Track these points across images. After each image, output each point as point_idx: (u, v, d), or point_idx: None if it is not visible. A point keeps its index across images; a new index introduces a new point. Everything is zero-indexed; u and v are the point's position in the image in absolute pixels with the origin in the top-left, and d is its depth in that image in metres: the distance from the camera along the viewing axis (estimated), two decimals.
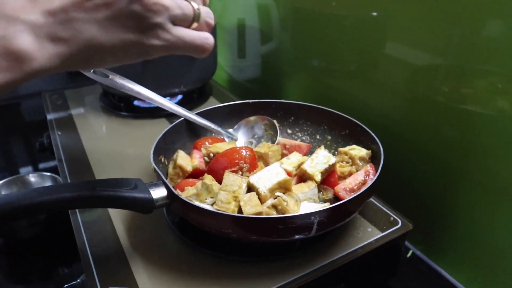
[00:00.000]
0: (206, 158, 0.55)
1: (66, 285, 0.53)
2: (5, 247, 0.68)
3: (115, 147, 0.74)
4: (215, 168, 0.52)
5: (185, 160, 0.57)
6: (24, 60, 0.28)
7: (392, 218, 0.55)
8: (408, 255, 0.66)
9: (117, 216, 0.56)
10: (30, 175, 0.76)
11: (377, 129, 0.57)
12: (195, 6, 0.35)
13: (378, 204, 0.57)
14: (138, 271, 0.47)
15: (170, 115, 0.83)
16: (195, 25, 0.36)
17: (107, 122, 0.84)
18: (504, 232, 0.54)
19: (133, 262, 0.48)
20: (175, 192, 0.45)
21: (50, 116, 0.85)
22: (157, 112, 0.84)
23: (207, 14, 0.36)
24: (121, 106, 0.86)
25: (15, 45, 0.27)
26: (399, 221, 0.54)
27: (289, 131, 0.68)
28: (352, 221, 0.54)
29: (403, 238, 0.54)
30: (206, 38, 0.36)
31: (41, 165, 0.97)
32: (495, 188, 0.54)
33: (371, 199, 0.58)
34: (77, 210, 0.56)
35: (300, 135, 0.67)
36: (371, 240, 0.52)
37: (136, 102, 0.87)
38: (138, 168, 0.67)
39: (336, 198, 0.53)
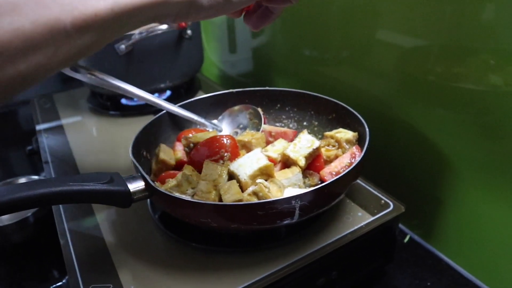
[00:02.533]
0: (187, 149, 0.54)
1: (52, 286, 0.52)
2: None
3: (103, 147, 0.73)
4: (196, 158, 0.51)
5: (167, 154, 0.55)
6: None
7: (383, 201, 0.53)
8: (406, 240, 0.64)
9: (101, 213, 0.54)
10: (19, 179, 0.75)
11: (370, 114, 0.55)
12: None
13: (368, 188, 0.55)
14: (122, 268, 0.46)
15: (158, 111, 0.82)
16: None
17: (96, 123, 0.83)
18: (502, 213, 0.52)
19: (117, 258, 0.47)
20: (153, 184, 0.44)
21: (37, 120, 0.84)
22: (145, 109, 0.83)
23: None
24: (108, 105, 0.85)
25: None
26: (391, 204, 0.52)
27: (276, 119, 0.66)
28: (341, 206, 0.53)
29: (396, 221, 0.52)
30: None
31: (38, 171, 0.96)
32: (491, 167, 0.52)
33: (361, 183, 0.56)
34: (61, 210, 0.55)
35: (287, 122, 0.65)
36: (361, 224, 0.50)
37: (123, 101, 0.86)
38: (126, 166, 0.66)
39: (323, 183, 0.51)
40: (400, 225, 0.66)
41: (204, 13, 0.33)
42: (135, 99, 0.79)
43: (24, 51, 0.23)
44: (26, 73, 0.24)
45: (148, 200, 0.55)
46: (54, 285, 0.52)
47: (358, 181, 0.57)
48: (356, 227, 0.49)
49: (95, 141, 0.76)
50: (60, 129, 0.80)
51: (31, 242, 0.67)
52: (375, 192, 0.54)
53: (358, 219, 0.50)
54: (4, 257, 0.66)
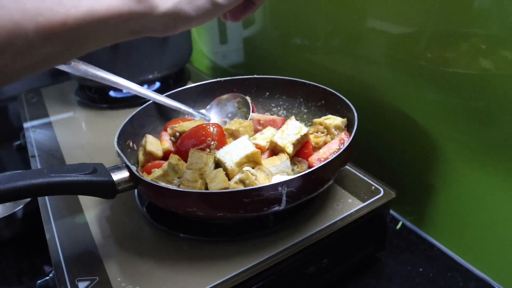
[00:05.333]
0: (173, 138, 0.53)
1: (38, 281, 0.51)
2: None
3: (91, 140, 0.72)
4: (182, 147, 0.50)
5: (154, 145, 0.54)
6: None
7: (373, 187, 0.52)
8: (398, 226, 0.63)
9: (88, 206, 0.53)
10: (6, 174, 0.74)
11: (361, 101, 0.55)
12: None
13: (358, 174, 0.55)
14: (108, 260, 0.45)
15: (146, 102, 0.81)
16: None
17: (85, 116, 0.81)
18: (493, 198, 0.51)
19: (104, 251, 0.46)
20: (137, 174, 0.43)
21: (25, 114, 0.83)
22: (134, 101, 0.81)
23: None
24: (97, 98, 0.84)
25: None
26: (381, 189, 0.52)
27: (265, 107, 0.65)
28: (331, 193, 0.52)
29: (387, 207, 0.52)
30: None
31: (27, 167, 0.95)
32: (481, 152, 0.51)
33: (351, 169, 0.56)
34: (47, 203, 0.54)
35: (276, 110, 0.64)
36: (352, 211, 0.49)
37: (112, 93, 0.85)
38: (115, 158, 0.64)
39: None
40: (393, 212, 0.66)
41: (194, 22, 0.32)
42: (124, 91, 0.78)
43: None
44: None
45: (136, 191, 0.54)
46: (41, 280, 0.51)
47: (348, 167, 0.56)
48: (346, 214, 0.49)
49: (83, 134, 0.75)
50: (48, 123, 0.79)
51: (19, 237, 0.66)
52: (366, 178, 0.54)
53: (349, 206, 0.50)
54: None
